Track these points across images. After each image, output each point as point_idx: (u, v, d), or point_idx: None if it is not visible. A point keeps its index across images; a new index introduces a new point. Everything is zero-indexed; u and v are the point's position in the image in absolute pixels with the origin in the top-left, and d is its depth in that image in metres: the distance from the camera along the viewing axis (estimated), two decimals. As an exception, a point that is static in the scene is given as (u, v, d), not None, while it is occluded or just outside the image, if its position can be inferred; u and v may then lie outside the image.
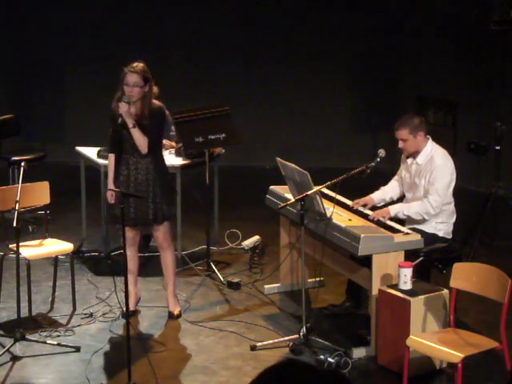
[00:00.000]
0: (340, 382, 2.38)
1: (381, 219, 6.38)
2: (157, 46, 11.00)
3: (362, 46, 11.08)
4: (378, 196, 6.74)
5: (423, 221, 6.45)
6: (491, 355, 5.70)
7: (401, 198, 6.78)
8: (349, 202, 6.73)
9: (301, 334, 6.17)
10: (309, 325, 6.19)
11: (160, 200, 6.51)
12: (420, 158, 6.49)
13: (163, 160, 6.69)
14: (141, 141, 6.38)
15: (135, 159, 6.49)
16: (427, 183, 6.43)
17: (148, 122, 6.39)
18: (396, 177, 6.81)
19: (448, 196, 6.49)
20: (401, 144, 6.48)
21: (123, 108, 6.32)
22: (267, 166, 10.38)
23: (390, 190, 6.78)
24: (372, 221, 6.39)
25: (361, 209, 6.63)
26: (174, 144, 8.09)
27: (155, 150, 6.49)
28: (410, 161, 6.57)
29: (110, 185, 6.54)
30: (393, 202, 6.78)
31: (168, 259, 6.72)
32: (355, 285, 6.60)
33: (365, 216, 6.51)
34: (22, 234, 6.47)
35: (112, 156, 6.60)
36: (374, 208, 6.69)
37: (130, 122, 6.35)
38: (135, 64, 6.39)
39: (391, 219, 6.45)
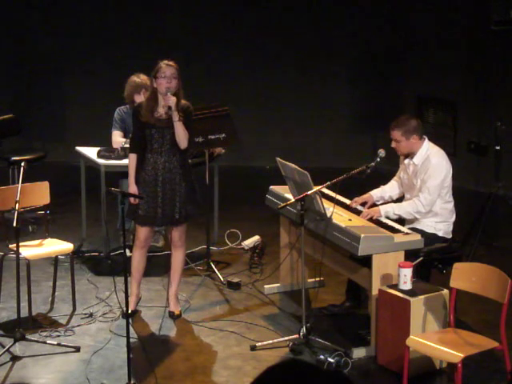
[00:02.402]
0: (342, 383, 2.38)
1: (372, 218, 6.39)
2: (157, 45, 11.00)
3: (362, 46, 11.09)
4: (377, 193, 6.74)
5: (422, 220, 6.45)
6: (491, 355, 5.71)
7: (400, 199, 6.78)
8: (349, 202, 6.73)
9: (301, 334, 6.17)
10: (309, 325, 6.19)
11: (185, 199, 6.53)
12: (417, 159, 6.49)
13: (188, 159, 6.71)
14: (183, 135, 6.39)
15: (163, 159, 6.49)
16: (421, 182, 6.44)
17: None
18: (395, 177, 6.82)
19: (447, 195, 6.49)
20: (393, 144, 6.49)
21: (173, 100, 6.33)
22: (267, 166, 10.38)
23: (388, 190, 6.78)
24: (372, 220, 6.39)
25: (359, 208, 6.64)
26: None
27: (185, 149, 6.51)
28: (407, 161, 6.58)
29: (132, 185, 6.51)
30: (392, 202, 6.78)
31: (179, 258, 6.72)
32: (355, 285, 6.61)
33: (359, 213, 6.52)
34: (22, 234, 6.47)
35: (134, 156, 6.57)
36: (373, 206, 6.70)
37: (176, 115, 6.35)
38: (168, 60, 6.45)
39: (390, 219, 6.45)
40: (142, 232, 6.63)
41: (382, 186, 6.81)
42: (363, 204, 6.69)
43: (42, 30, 11.21)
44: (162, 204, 6.50)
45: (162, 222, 6.68)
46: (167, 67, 6.40)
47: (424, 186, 6.39)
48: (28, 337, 6.20)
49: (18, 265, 6.16)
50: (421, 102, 10.46)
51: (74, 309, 6.87)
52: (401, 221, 6.54)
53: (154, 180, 6.50)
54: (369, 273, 6.12)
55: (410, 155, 6.52)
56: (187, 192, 6.56)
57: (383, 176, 6.99)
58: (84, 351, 6.16)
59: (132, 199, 6.46)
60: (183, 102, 6.51)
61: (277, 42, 11.16)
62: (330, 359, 5.85)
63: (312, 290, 7.03)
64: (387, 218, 6.44)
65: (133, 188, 6.49)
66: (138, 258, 6.70)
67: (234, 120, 7.72)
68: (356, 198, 6.70)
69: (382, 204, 6.68)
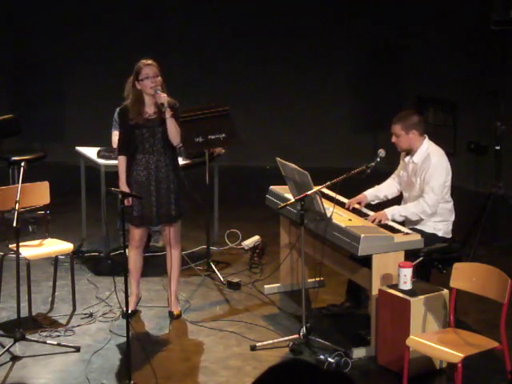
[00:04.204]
0: (343, 383, 2.38)
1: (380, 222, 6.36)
2: (157, 45, 10.99)
3: (362, 46, 11.08)
4: (371, 193, 6.74)
5: (422, 220, 6.45)
6: (491, 355, 5.71)
7: (397, 197, 6.77)
8: (347, 202, 6.72)
9: (301, 334, 6.17)
10: (309, 325, 6.19)
11: (179, 196, 6.56)
12: (416, 157, 6.49)
13: (177, 156, 6.73)
14: (176, 131, 6.40)
15: (155, 158, 6.49)
16: (422, 182, 6.44)
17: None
18: (393, 175, 6.81)
19: (446, 195, 6.49)
20: (393, 138, 6.51)
21: (164, 96, 6.32)
22: (267, 166, 10.38)
23: (384, 189, 6.77)
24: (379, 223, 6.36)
25: (363, 209, 6.63)
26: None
27: (174, 146, 6.52)
28: (407, 159, 6.58)
29: (123, 187, 6.50)
30: (388, 201, 6.78)
31: (176, 257, 6.72)
32: (355, 285, 6.60)
33: (365, 216, 6.51)
34: (22, 234, 6.48)
35: (123, 158, 6.55)
36: (368, 206, 6.70)
37: (168, 112, 6.35)
38: (144, 59, 6.45)
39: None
40: (137, 232, 6.63)
41: (377, 186, 6.81)
42: (357, 204, 6.69)
43: (41, 30, 11.20)
44: (156, 203, 6.50)
45: (159, 221, 6.67)
46: (148, 67, 6.41)
47: (427, 187, 6.38)
48: (28, 337, 6.21)
49: (17, 265, 6.16)
50: (421, 102, 10.46)
51: (74, 309, 6.88)
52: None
53: (147, 180, 6.51)
54: (369, 273, 6.12)
55: (409, 153, 6.52)
56: (179, 189, 6.57)
57: (383, 176, 6.99)
58: (84, 351, 6.17)
59: (126, 201, 6.45)
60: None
61: (277, 42, 11.15)
62: (330, 359, 5.85)
63: (312, 290, 7.03)
64: (393, 220, 6.41)
65: (125, 190, 6.48)
66: (134, 258, 6.71)
67: (234, 120, 7.71)
68: (350, 200, 6.69)
69: (376, 203, 6.70)
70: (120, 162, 6.57)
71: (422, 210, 6.38)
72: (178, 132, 6.43)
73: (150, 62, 6.44)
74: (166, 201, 6.52)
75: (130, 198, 6.40)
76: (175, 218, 6.60)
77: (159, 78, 6.40)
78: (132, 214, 6.52)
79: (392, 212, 6.43)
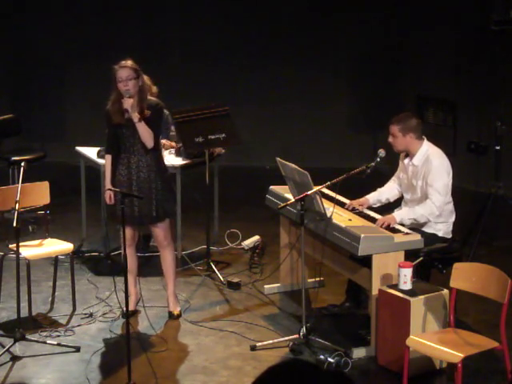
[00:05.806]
0: (342, 383, 2.38)
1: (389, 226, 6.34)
2: (156, 46, 11.00)
3: (361, 46, 11.09)
4: (373, 197, 6.73)
5: (428, 222, 6.44)
6: (491, 355, 5.71)
7: (398, 200, 6.77)
8: (348, 202, 6.72)
9: (301, 334, 6.17)
10: (309, 325, 6.19)
11: (162, 197, 6.53)
12: (416, 160, 6.49)
13: (162, 157, 6.72)
14: (146, 135, 6.38)
15: (136, 158, 6.49)
16: (425, 184, 6.42)
17: (148, 116, 6.40)
18: (393, 177, 6.80)
19: (447, 195, 6.48)
20: (390, 138, 6.51)
21: (128, 102, 6.32)
22: (267, 166, 10.38)
23: (386, 191, 6.77)
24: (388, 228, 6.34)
25: (364, 210, 6.62)
26: (173, 144, 8.09)
27: (156, 146, 6.51)
28: (406, 162, 6.57)
29: (108, 186, 6.53)
30: (389, 204, 6.77)
31: (168, 258, 6.72)
32: (355, 285, 6.60)
33: (365, 216, 6.51)
34: (22, 234, 6.48)
35: (109, 157, 6.60)
36: (368, 207, 6.70)
37: (135, 117, 6.35)
38: (123, 60, 6.44)
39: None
40: (127, 231, 6.61)
41: (379, 189, 6.80)
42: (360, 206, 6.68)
43: (41, 30, 11.20)
44: (137, 203, 6.48)
45: (141, 221, 6.65)
46: (121, 70, 6.41)
47: (431, 189, 6.36)
48: (28, 337, 6.21)
49: (17, 265, 6.16)
50: (421, 102, 10.45)
51: (74, 309, 6.88)
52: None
53: (129, 179, 6.51)
54: (369, 273, 6.12)
55: (409, 155, 6.52)
56: (163, 190, 6.55)
57: (383, 176, 6.99)
58: (84, 351, 6.17)
59: (108, 199, 6.49)
60: (152, 99, 6.50)
61: (277, 42, 11.15)
62: (330, 359, 5.85)
63: (312, 290, 7.03)
64: (402, 223, 6.38)
65: (109, 188, 6.50)
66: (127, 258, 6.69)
67: (234, 120, 7.71)
68: (351, 201, 6.68)
69: (380, 207, 6.69)
70: (106, 161, 6.65)
71: (431, 211, 6.35)
72: (150, 135, 6.40)
73: (127, 63, 6.42)
74: (148, 201, 6.49)
75: (113, 197, 6.43)
76: (157, 218, 6.57)
77: (132, 83, 6.38)
78: (116, 213, 6.52)
79: (400, 216, 6.40)
